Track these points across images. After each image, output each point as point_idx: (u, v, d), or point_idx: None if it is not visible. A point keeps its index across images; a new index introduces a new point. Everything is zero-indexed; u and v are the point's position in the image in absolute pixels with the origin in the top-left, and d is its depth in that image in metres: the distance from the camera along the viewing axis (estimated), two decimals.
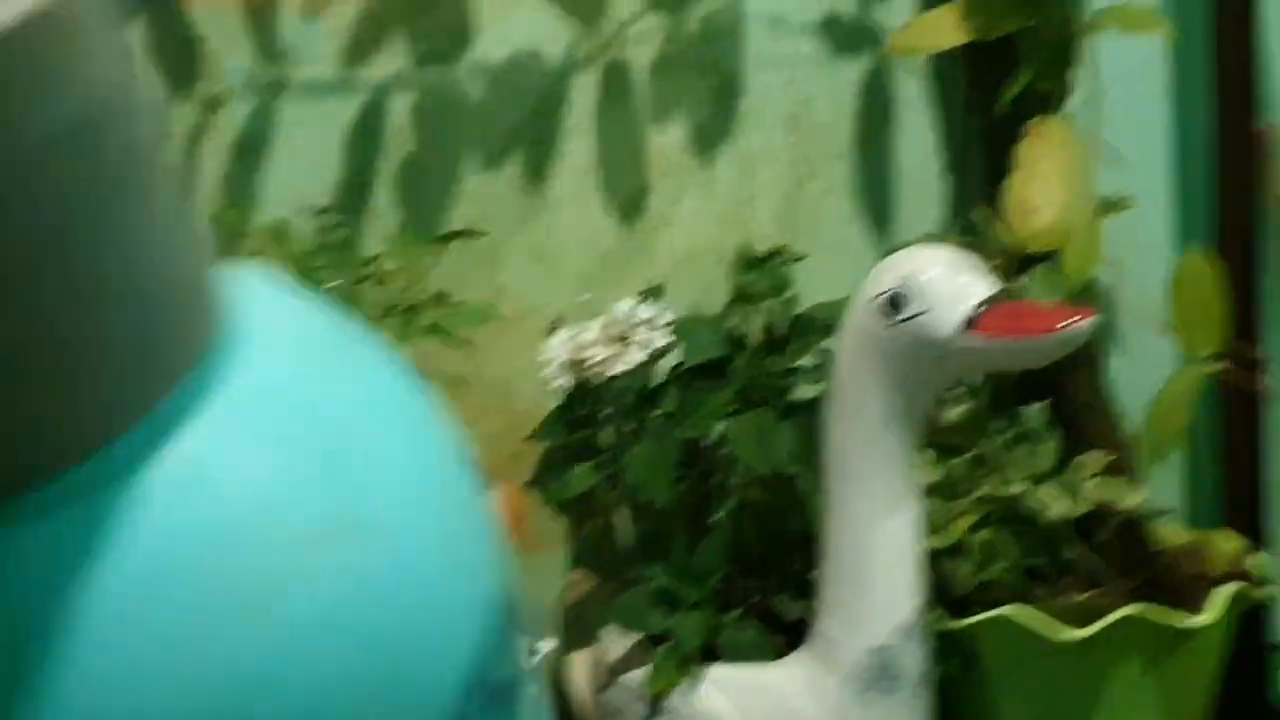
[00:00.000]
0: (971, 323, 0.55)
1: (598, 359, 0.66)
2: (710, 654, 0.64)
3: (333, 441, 0.22)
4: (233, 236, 0.68)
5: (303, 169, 0.80)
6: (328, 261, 0.67)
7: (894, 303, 0.56)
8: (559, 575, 0.84)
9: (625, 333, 0.67)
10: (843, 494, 0.60)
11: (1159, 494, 0.77)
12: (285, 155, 0.80)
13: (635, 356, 0.66)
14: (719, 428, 0.69)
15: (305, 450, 0.22)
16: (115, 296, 0.20)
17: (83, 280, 0.20)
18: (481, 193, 0.82)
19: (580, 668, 0.76)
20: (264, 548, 0.21)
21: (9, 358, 0.20)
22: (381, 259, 0.68)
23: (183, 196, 0.23)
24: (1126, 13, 0.71)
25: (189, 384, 0.21)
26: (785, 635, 0.66)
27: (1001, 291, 0.55)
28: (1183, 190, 0.85)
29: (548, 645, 0.70)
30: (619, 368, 0.66)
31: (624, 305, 0.67)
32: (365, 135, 0.80)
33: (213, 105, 0.79)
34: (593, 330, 0.67)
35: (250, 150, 0.79)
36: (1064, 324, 0.54)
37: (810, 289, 0.73)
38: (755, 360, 0.70)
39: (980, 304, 0.55)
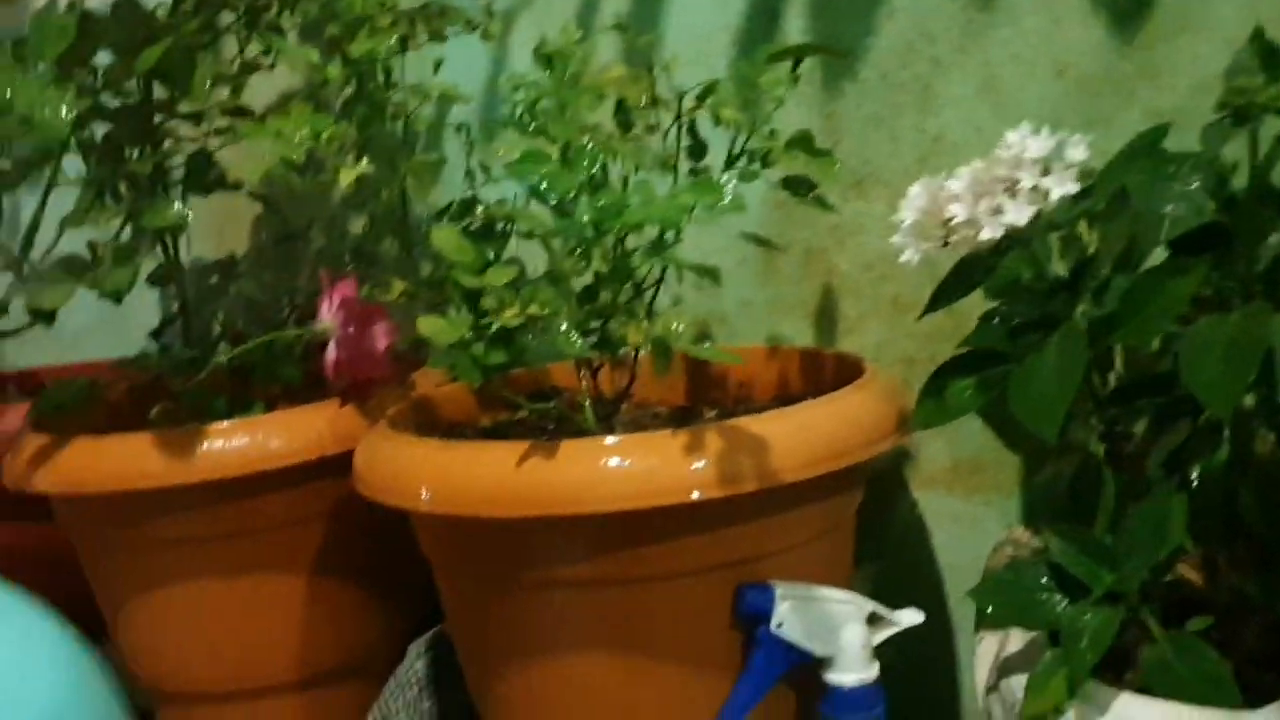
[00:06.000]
0: None
1: (961, 218, 0.44)
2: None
3: None
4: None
5: None
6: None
7: None
8: (995, 528, 0.63)
9: (1008, 179, 0.44)
10: None
11: None
12: None
13: (1014, 216, 0.43)
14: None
15: None
16: None
17: None
18: (914, 2, 0.61)
19: (985, 656, 0.56)
20: None
21: None
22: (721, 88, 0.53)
23: None
24: None
25: None
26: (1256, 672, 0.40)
27: None
28: None
29: (912, 618, 0.52)
30: (990, 231, 0.43)
31: (1014, 136, 0.44)
32: None
33: None
34: (963, 177, 0.45)
35: None
36: None
37: None
38: (1250, 222, 0.42)
39: None
